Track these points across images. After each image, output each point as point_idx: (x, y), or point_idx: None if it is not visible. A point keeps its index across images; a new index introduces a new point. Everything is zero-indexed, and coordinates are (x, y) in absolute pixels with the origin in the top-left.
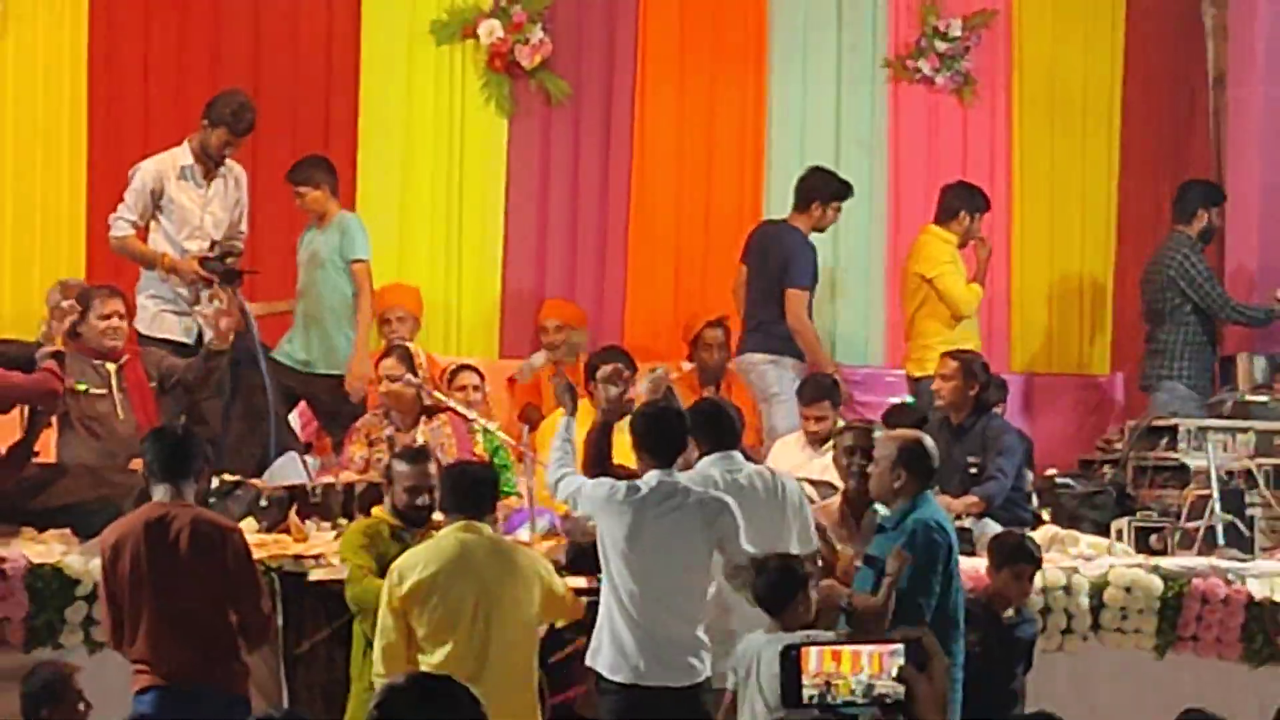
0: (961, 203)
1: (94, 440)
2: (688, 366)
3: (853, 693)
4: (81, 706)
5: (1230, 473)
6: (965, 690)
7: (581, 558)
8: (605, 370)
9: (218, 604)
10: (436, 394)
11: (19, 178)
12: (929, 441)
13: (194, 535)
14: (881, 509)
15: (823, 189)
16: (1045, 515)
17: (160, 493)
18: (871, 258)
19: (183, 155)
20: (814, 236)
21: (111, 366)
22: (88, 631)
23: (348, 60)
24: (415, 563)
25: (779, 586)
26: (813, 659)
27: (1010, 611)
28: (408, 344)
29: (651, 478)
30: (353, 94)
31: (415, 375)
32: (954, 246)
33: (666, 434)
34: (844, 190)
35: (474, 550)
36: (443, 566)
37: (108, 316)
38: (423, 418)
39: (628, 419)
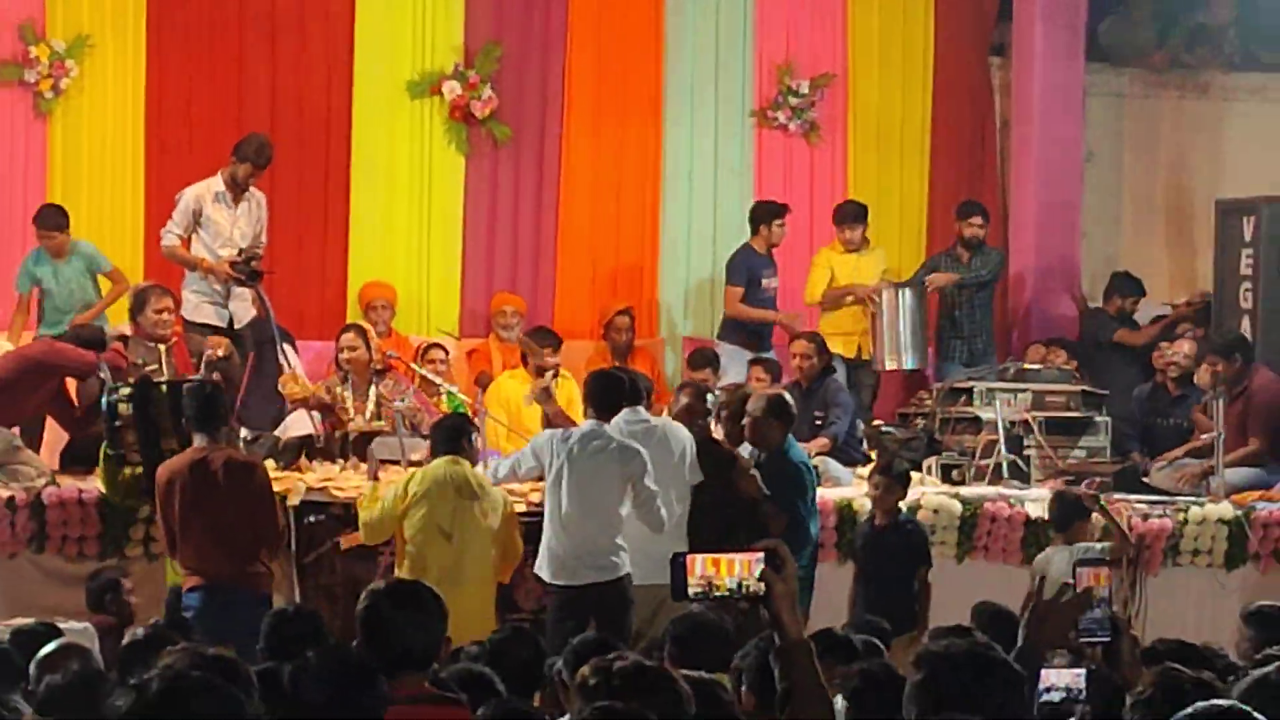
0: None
1: None
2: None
3: (728, 590)
4: (132, 599)
5: (1012, 422)
6: (876, 586)
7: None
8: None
9: (247, 522)
10: (414, 365)
11: (92, 202)
12: (788, 396)
13: (228, 470)
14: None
15: (763, 213)
16: (873, 455)
17: (199, 439)
18: None
19: (217, 183)
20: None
21: (162, 347)
22: (146, 546)
23: (342, 111)
24: (416, 478)
25: (1067, 513)
26: (697, 565)
27: (880, 520)
28: (361, 323)
29: (586, 425)
30: (346, 136)
31: (369, 348)
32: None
33: (610, 394)
34: (772, 210)
35: (453, 478)
36: (433, 485)
37: (160, 311)
38: (374, 377)
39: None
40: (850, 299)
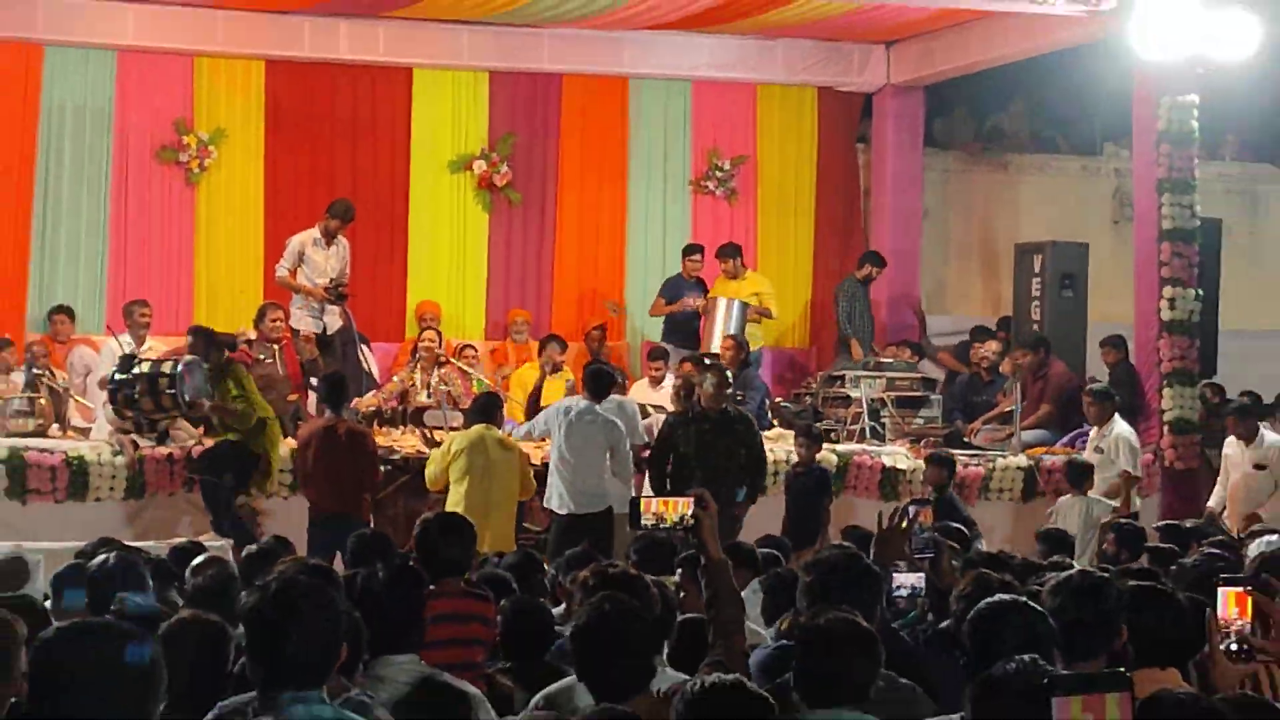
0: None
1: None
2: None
3: (671, 522)
4: (262, 525)
5: (872, 399)
6: (797, 513)
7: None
8: (554, 359)
9: (356, 472)
10: (452, 359)
11: (227, 247)
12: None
13: (348, 435)
14: None
15: (684, 251)
16: (775, 423)
17: (328, 413)
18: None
19: (315, 232)
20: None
21: (276, 347)
22: (290, 485)
23: (402, 181)
24: (456, 440)
25: (1079, 472)
26: (653, 505)
27: (800, 467)
28: (437, 329)
29: (582, 403)
30: (405, 200)
31: (439, 346)
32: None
33: (601, 383)
34: (690, 250)
35: (485, 438)
36: (468, 444)
37: (274, 320)
38: (436, 366)
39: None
40: (695, 306)
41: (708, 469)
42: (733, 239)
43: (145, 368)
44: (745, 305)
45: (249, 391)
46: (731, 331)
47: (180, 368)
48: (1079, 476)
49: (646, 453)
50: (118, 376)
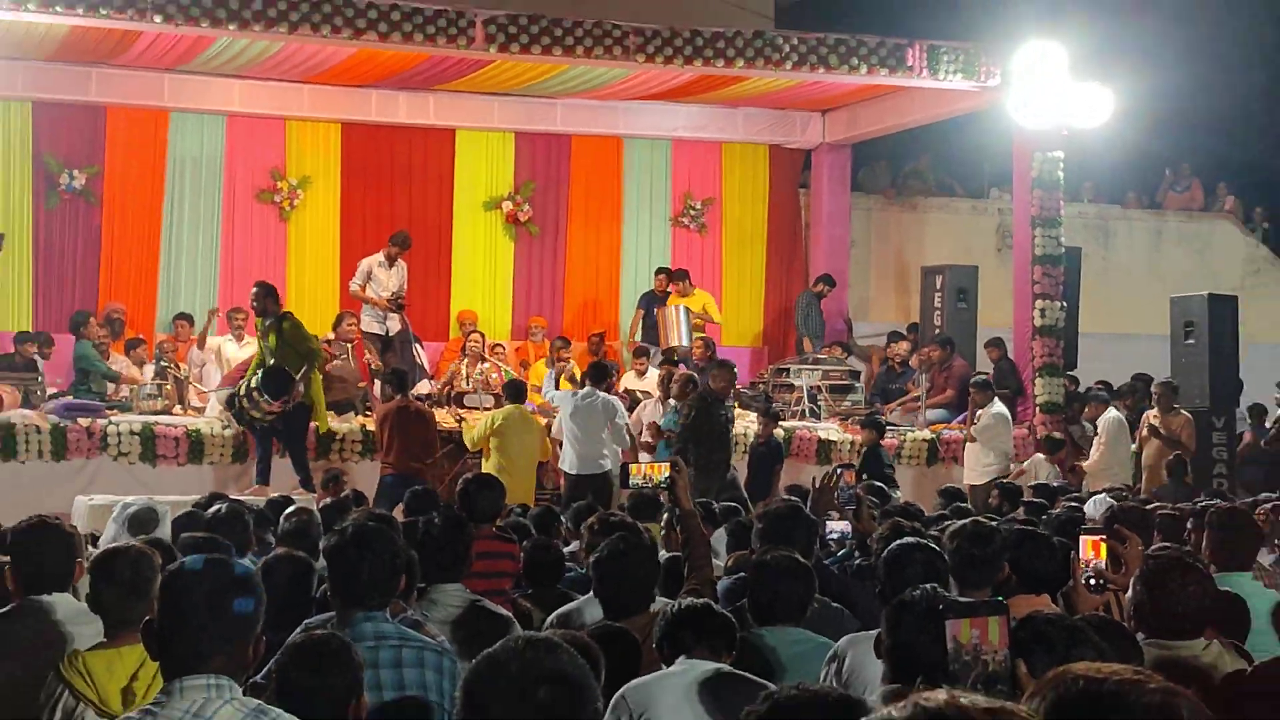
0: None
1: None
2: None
3: (657, 482)
4: (346, 484)
5: (811, 387)
6: (757, 477)
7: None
8: (560, 356)
9: (421, 441)
10: (489, 357)
11: (313, 271)
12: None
13: (415, 412)
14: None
15: (654, 274)
16: (736, 405)
17: (397, 396)
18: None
19: (380, 257)
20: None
21: (349, 345)
22: (360, 453)
23: (447, 217)
24: (497, 416)
25: (1054, 444)
26: (641, 469)
27: (759, 440)
28: (481, 332)
29: (586, 389)
30: (449, 231)
31: (483, 345)
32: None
33: (600, 375)
34: (659, 270)
35: (515, 415)
36: (506, 420)
37: (349, 325)
38: (479, 361)
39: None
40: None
41: (725, 445)
42: (703, 265)
43: (246, 403)
44: (688, 310)
45: (307, 334)
46: (681, 332)
47: (264, 393)
48: (1055, 447)
49: (645, 434)
50: (231, 413)
